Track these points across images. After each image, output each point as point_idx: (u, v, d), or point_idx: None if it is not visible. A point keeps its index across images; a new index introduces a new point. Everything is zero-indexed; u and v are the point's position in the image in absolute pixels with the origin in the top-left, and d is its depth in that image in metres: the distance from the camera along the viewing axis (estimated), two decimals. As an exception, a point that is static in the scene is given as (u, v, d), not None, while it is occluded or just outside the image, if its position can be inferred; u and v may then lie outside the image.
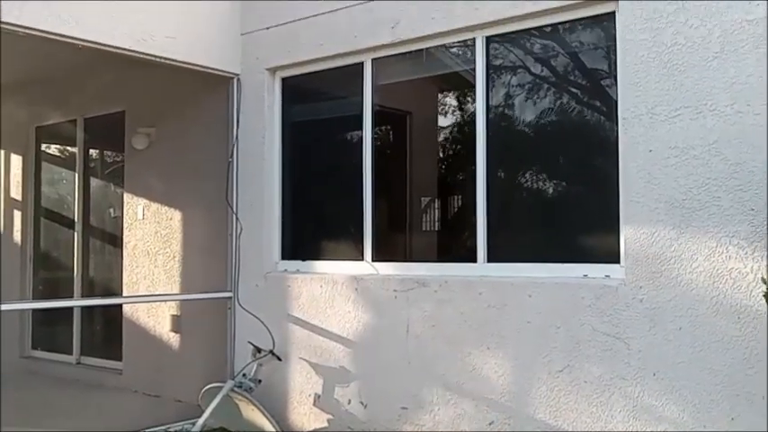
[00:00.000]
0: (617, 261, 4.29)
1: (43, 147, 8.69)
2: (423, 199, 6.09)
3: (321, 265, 5.72)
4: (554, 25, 4.66)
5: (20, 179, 8.63)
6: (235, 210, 6.09)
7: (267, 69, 5.98)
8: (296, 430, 5.67)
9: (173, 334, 6.84)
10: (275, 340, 5.72)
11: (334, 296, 5.46)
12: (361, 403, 5.31)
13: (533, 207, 4.95)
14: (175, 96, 6.79)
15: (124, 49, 5.39)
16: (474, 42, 4.94)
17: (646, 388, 4.08)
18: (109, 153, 8.32)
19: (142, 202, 7.18)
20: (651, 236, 4.08)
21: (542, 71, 4.87)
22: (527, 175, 5.08)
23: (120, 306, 7.37)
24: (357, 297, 5.33)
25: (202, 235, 6.61)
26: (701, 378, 3.90)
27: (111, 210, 7.87)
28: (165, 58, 5.65)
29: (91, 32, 5.15)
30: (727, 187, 3.85)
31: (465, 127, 5.21)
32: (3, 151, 8.74)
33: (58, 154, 8.79)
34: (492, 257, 4.83)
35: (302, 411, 5.66)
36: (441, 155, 6.24)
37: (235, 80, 6.13)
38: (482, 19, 4.78)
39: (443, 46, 5.19)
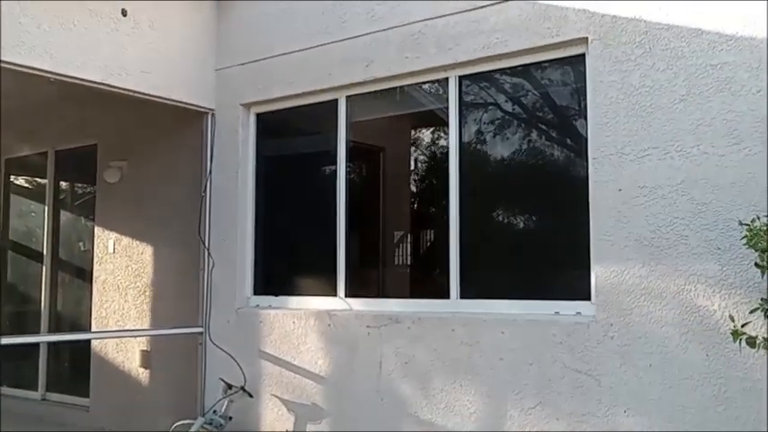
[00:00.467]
0: (588, 298, 4.34)
1: (12, 178, 8.58)
2: (396, 235, 6.13)
3: (294, 301, 5.70)
4: (526, 66, 4.76)
5: (-13, 211, 8.50)
6: (207, 244, 6.06)
7: (242, 105, 6.01)
8: (267, 469, 5.60)
9: (142, 370, 6.73)
10: (246, 376, 5.66)
11: (307, 332, 5.43)
12: (334, 441, 5.26)
13: (506, 244, 5.00)
14: (149, 130, 6.77)
15: (98, 83, 5.39)
16: (447, 81, 5.02)
17: (617, 425, 4.10)
18: (80, 185, 8.24)
19: (113, 235, 7.10)
20: (621, 273, 4.14)
21: (515, 110, 4.96)
22: (499, 211, 5.14)
23: (88, 341, 7.24)
24: (330, 333, 5.31)
25: (174, 270, 6.55)
26: (671, 415, 3.94)
27: (82, 243, 7.77)
28: (140, 93, 5.65)
29: (64, 66, 5.15)
30: (695, 226, 3.93)
31: (438, 164, 5.27)
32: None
33: (28, 186, 8.68)
34: (465, 294, 4.86)
35: (273, 449, 5.60)
36: (414, 191, 6.30)
37: (209, 115, 6.15)
38: (455, 59, 4.86)
39: (417, 84, 5.27)
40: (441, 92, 5.13)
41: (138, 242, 6.89)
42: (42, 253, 8.03)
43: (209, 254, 6.04)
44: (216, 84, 6.14)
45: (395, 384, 4.97)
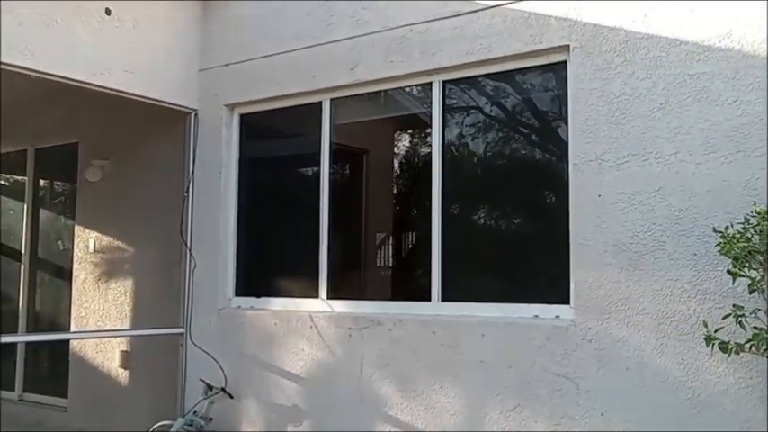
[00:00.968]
0: (567, 302, 4.41)
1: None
2: (379, 237, 6.16)
3: (275, 302, 5.71)
4: (508, 72, 4.82)
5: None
6: (189, 245, 6.05)
7: (225, 106, 6.02)
8: (246, 469, 5.61)
9: (122, 370, 6.70)
10: (227, 377, 5.67)
11: (288, 333, 5.45)
12: (314, 442, 5.29)
13: (487, 247, 5.05)
14: (131, 129, 6.75)
15: (81, 82, 5.37)
16: (431, 86, 5.07)
17: (594, 427, 4.17)
18: (60, 184, 8.19)
19: (94, 234, 7.07)
20: (599, 278, 4.21)
21: (497, 114, 5.01)
22: (481, 215, 5.20)
23: (67, 341, 7.19)
24: (311, 334, 5.34)
25: (155, 270, 6.54)
26: (648, 419, 4.01)
27: (61, 242, 7.73)
28: (123, 92, 5.64)
29: (46, 65, 5.12)
30: (672, 233, 4.01)
31: (421, 166, 5.31)
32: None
33: (6, 183, 8.61)
34: (446, 297, 4.91)
35: (253, 450, 5.60)
36: (397, 193, 6.33)
37: (192, 115, 6.15)
38: (439, 64, 4.91)
39: (401, 88, 5.31)
40: (425, 96, 5.18)
41: (119, 242, 6.87)
42: (21, 252, 7.97)
43: (190, 254, 6.04)
44: (200, 84, 6.15)
45: (376, 386, 5.01)
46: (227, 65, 6.00)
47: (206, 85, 6.12)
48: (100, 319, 6.92)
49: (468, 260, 5.02)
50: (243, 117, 6.06)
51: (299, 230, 5.78)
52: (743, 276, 3.12)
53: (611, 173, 4.23)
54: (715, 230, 3.32)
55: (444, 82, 5.02)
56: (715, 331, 3.26)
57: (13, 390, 7.73)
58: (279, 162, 6.20)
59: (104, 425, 6.66)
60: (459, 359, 4.67)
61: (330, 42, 5.40)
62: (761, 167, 3.78)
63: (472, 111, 5.08)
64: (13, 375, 7.75)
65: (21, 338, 7.75)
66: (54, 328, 7.66)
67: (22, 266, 7.93)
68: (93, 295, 7.01)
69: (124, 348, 6.70)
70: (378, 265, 6.13)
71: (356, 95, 5.46)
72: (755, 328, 3.14)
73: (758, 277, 3.09)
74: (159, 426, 5.58)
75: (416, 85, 5.21)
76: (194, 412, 5.59)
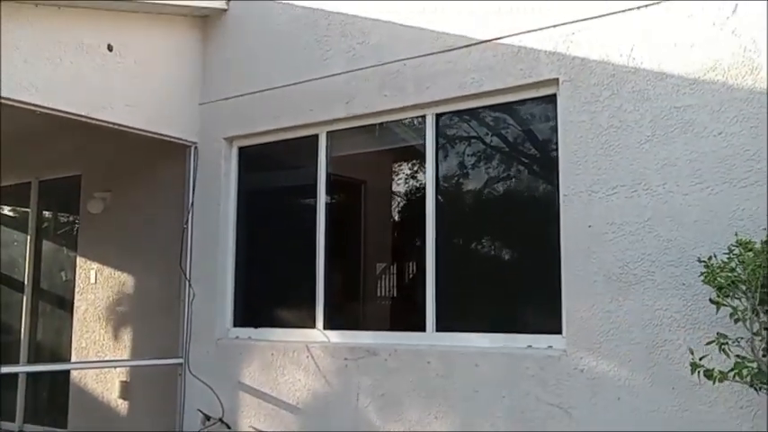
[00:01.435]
0: (559, 332, 4.45)
1: (-5, 208, 8.62)
2: (375, 267, 6.21)
3: (273, 333, 5.76)
4: (500, 105, 4.91)
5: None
6: (188, 276, 6.12)
7: (225, 139, 6.13)
8: (244, 500, 5.61)
9: (121, 401, 6.74)
10: (225, 408, 5.70)
11: (286, 364, 5.49)
12: (311, 472, 5.29)
13: (481, 277, 5.09)
14: (132, 162, 6.87)
15: (83, 116, 5.49)
16: (425, 119, 5.16)
17: (587, 457, 4.19)
18: (63, 215, 8.28)
19: (95, 266, 7.15)
20: (591, 308, 4.25)
21: (490, 146, 5.10)
22: (475, 246, 5.25)
23: (67, 372, 7.24)
24: (308, 365, 5.37)
25: (155, 300, 6.60)
26: (639, 447, 4.03)
27: (63, 273, 7.81)
28: (124, 126, 5.76)
29: (50, 100, 5.24)
30: (661, 263, 4.06)
31: (416, 198, 5.38)
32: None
33: (11, 215, 8.72)
34: (441, 327, 4.95)
35: (251, 481, 5.61)
36: (394, 224, 6.40)
37: (192, 148, 6.26)
38: (432, 97, 5.01)
39: (396, 121, 5.40)
40: (419, 128, 5.27)
41: (119, 273, 6.95)
42: (23, 282, 8.04)
43: (189, 285, 6.10)
44: (200, 117, 6.26)
45: (371, 416, 5.03)
46: (226, 99, 6.12)
47: (206, 119, 6.24)
48: (100, 349, 6.97)
49: (463, 290, 5.07)
50: (241, 149, 6.17)
51: (297, 261, 5.84)
52: (725, 305, 3.16)
53: (601, 204, 4.30)
54: (699, 260, 3.37)
55: (437, 115, 5.12)
56: (700, 359, 3.29)
57: (13, 420, 7.75)
58: (277, 193, 6.29)
59: (103, 456, 6.68)
60: (453, 389, 4.70)
61: (326, 77, 5.52)
62: (746, 198, 3.84)
63: (465, 143, 5.16)
64: (14, 406, 7.78)
65: (21, 369, 7.80)
66: (55, 358, 7.70)
67: (25, 297, 8.00)
68: (93, 326, 7.07)
69: (124, 379, 6.74)
70: (374, 295, 6.18)
71: (352, 128, 5.55)
72: (738, 356, 3.18)
73: (740, 306, 3.14)
74: (157, 456, 5.60)
75: (411, 118, 5.31)
76: (192, 443, 5.61)
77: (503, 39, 4.74)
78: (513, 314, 4.78)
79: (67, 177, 7.55)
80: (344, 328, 5.45)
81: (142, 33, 5.91)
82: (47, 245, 8.13)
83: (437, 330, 4.95)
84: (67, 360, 7.32)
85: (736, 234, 3.37)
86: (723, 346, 3.16)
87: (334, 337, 5.41)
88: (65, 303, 7.62)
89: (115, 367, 6.82)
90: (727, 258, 3.36)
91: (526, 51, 4.65)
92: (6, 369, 7.76)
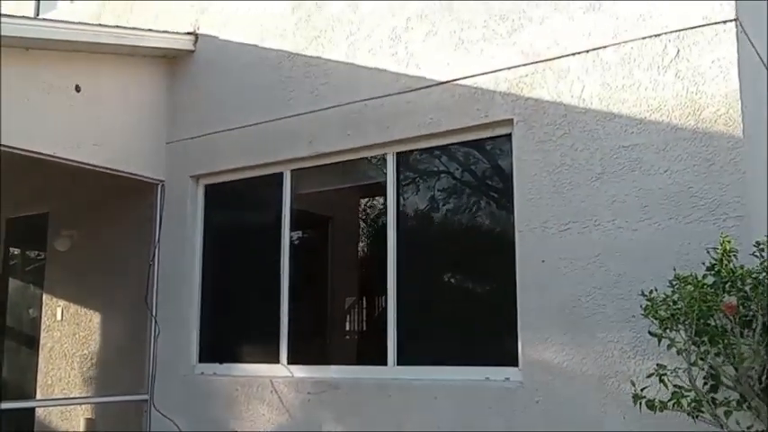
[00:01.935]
0: (516, 364, 4.55)
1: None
2: (339, 302, 6.28)
3: (238, 368, 5.80)
4: (458, 144, 5.06)
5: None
6: (154, 312, 6.15)
7: (191, 177, 6.22)
8: None
9: (86, 438, 6.69)
10: (190, 444, 5.71)
11: (250, 399, 5.52)
12: None
13: (440, 311, 5.17)
14: (100, 200, 6.90)
15: (51, 156, 5.55)
16: (385, 157, 5.30)
17: (544, 488, 4.26)
18: (30, 253, 8.27)
19: (62, 303, 7.15)
20: (545, 340, 4.37)
21: (449, 184, 5.23)
22: (435, 280, 5.35)
23: (32, 409, 7.18)
24: (272, 399, 5.41)
25: (121, 337, 6.61)
26: (593, 477, 4.12)
27: (30, 310, 7.78)
28: (92, 165, 5.84)
29: (16, 139, 5.29)
30: (611, 296, 4.20)
31: (379, 234, 5.50)
32: None
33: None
34: (402, 360, 5.03)
35: None
36: (358, 259, 6.49)
37: (159, 186, 6.33)
38: (392, 137, 5.16)
39: (358, 159, 5.52)
40: (381, 166, 5.39)
41: (86, 309, 6.95)
42: (-11, 320, 8.00)
43: (155, 321, 6.13)
44: (167, 156, 6.36)
45: (334, 450, 5.07)
46: (193, 138, 6.23)
47: (172, 157, 6.33)
48: (66, 386, 6.94)
49: (423, 324, 5.16)
50: (207, 187, 6.26)
51: (262, 297, 5.91)
52: (664, 338, 3.30)
53: (555, 239, 4.44)
54: (642, 294, 3.51)
55: (398, 153, 5.26)
56: (642, 390, 3.41)
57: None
58: (243, 230, 6.37)
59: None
60: (413, 422, 4.77)
61: (289, 117, 5.66)
62: (690, 234, 4.00)
63: (426, 180, 5.30)
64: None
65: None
66: (20, 396, 7.62)
67: (-10, 335, 7.94)
68: (59, 363, 7.04)
69: (89, 416, 6.70)
70: (338, 329, 6.24)
71: (316, 166, 5.67)
72: (675, 386, 3.30)
73: (678, 338, 3.27)
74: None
75: (372, 157, 5.44)
76: (156, 480, 5.59)
77: (459, 80, 4.92)
78: (471, 347, 4.88)
79: (35, 215, 7.55)
80: (308, 362, 5.51)
81: (110, 74, 6.02)
82: (13, 282, 8.10)
83: (398, 364, 5.03)
84: (33, 397, 7.26)
85: (674, 269, 3.51)
86: (662, 377, 3.29)
87: (298, 371, 5.46)
88: (31, 341, 7.57)
89: (80, 404, 6.79)
90: (671, 292, 3.49)
91: (482, 93, 4.82)
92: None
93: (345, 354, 6.01)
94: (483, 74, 4.84)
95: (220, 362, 5.92)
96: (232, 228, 6.37)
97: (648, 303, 3.41)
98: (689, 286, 3.32)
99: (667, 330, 3.31)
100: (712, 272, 3.40)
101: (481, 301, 5.05)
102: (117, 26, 6.27)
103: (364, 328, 6.06)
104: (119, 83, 6.08)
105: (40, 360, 7.23)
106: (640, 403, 3.32)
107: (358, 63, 5.38)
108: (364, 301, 6.15)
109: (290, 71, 5.74)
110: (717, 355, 3.26)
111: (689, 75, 4.17)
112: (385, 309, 5.13)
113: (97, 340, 6.80)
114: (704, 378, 3.34)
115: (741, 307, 3.25)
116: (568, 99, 4.52)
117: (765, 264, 3.26)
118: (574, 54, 4.53)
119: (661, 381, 3.29)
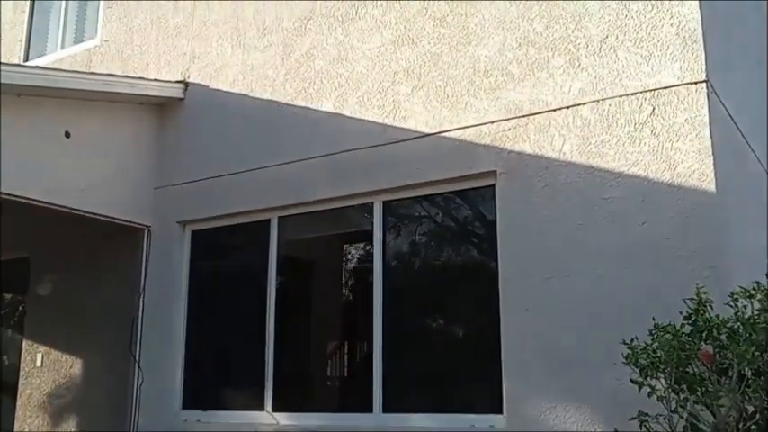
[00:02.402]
0: (500, 411, 4.61)
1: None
2: (325, 348, 6.32)
3: (222, 415, 5.78)
4: (443, 194, 5.21)
5: None
6: (138, 359, 6.14)
7: (178, 222, 6.28)
8: None
9: (63, 488, 6.59)
10: (171, 493, 5.65)
11: (234, 447, 5.51)
12: None
13: (425, 357, 5.24)
14: (85, 244, 6.90)
15: (37, 201, 5.59)
16: (372, 205, 5.42)
17: None
18: (10, 297, 8.21)
19: (43, 349, 7.08)
20: (529, 387, 4.45)
21: (435, 233, 5.36)
22: (420, 327, 5.42)
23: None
24: (256, 447, 5.41)
25: (103, 384, 6.55)
26: None
27: (6, 357, 7.68)
28: (78, 210, 5.87)
29: (4, 185, 5.30)
30: (593, 344, 4.30)
31: (365, 280, 5.58)
32: None
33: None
34: (387, 407, 5.07)
35: None
36: (344, 305, 6.55)
37: (146, 231, 6.38)
38: (379, 186, 5.29)
39: (345, 207, 5.63)
40: (367, 214, 5.51)
41: (67, 356, 6.89)
42: (-34, 366, 7.89)
43: (139, 368, 6.11)
44: (154, 202, 6.42)
45: (319, 499, 5.06)
46: (181, 184, 6.31)
47: (160, 203, 6.39)
48: (44, 435, 6.84)
49: (408, 371, 5.22)
50: (194, 233, 6.32)
51: (247, 343, 5.93)
52: (645, 385, 3.40)
53: (538, 288, 4.56)
54: (624, 342, 3.62)
55: (384, 202, 5.38)
56: (624, 436, 3.50)
57: None
58: (229, 276, 6.41)
59: None
60: (399, 470, 4.80)
61: (278, 165, 5.77)
62: (669, 283, 4.13)
63: (411, 229, 5.42)
64: (-51, 496, 7.50)
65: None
66: (-4, 444, 7.51)
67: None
68: (37, 411, 6.95)
69: (67, 465, 6.61)
70: (324, 376, 6.26)
71: (303, 213, 5.77)
72: (656, 432, 3.41)
73: (657, 386, 3.38)
74: None
75: (359, 205, 5.55)
76: None
77: (445, 133, 5.08)
78: (456, 394, 4.94)
79: (16, 259, 7.52)
80: (293, 410, 5.52)
81: (100, 120, 6.12)
82: (-8, 327, 8.02)
83: (383, 411, 5.06)
84: (8, 447, 7.15)
85: (653, 318, 3.64)
86: (644, 424, 3.38)
87: (283, 419, 5.47)
88: (8, 388, 7.47)
89: (59, 453, 6.69)
90: (651, 340, 3.60)
91: (466, 145, 4.98)
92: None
93: (331, 400, 6.01)
94: (467, 127, 5.01)
95: (204, 409, 5.90)
96: (218, 273, 6.42)
97: (629, 351, 3.52)
98: (667, 335, 3.43)
99: (648, 378, 3.40)
100: (689, 321, 3.53)
101: (466, 348, 5.13)
102: (109, 74, 6.40)
103: (351, 375, 6.09)
104: (108, 129, 6.17)
105: (17, 408, 7.12)
106: (624, 450, 3.40)
107: (346, 114, 5.53)
108: (350, 348, 6.19)
109: (279, 120, 5.87)
110: (696, 402, 3.37)
111: (664, 132, 4.37)
112: (370, 356, 5.18)
113: (79, 387, 6.72)
114: (683, 426, 3.43)
115: (717, 356, 3.37)
116: (550, 152, 4.69)
117: (739, 314, 3.39)
118: (555, 110, 4.72)
119: (642, 427, 3.38)
